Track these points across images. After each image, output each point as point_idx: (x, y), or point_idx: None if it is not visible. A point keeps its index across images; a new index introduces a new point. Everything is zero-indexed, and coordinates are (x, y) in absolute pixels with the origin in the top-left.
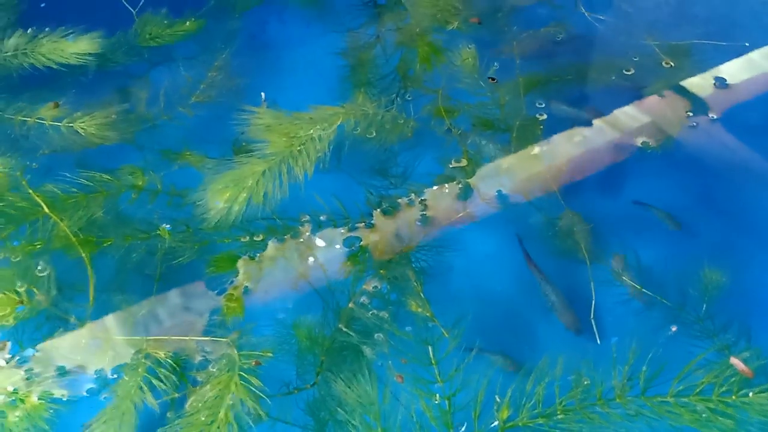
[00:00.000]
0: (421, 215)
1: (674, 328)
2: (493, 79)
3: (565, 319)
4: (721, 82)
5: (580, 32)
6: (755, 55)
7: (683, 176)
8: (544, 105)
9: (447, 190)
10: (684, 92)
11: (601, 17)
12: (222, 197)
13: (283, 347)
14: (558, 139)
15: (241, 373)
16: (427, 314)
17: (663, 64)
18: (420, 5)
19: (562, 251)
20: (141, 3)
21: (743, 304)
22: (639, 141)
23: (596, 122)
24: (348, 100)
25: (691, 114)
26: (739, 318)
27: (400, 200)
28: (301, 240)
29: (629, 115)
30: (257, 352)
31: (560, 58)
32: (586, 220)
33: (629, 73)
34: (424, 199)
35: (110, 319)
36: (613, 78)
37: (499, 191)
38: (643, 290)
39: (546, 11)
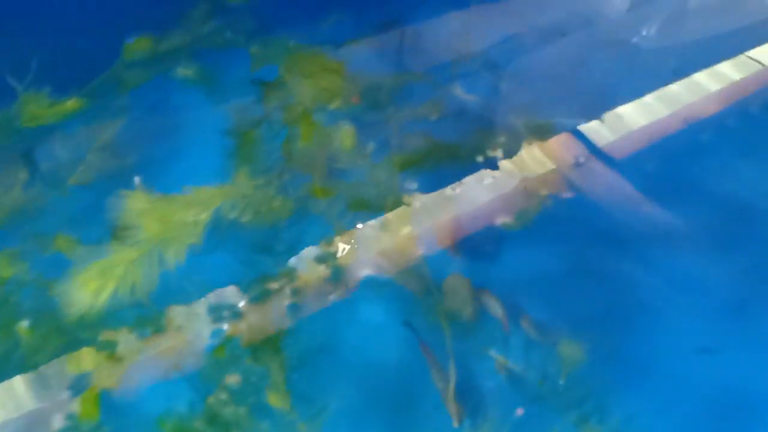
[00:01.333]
0: (291, 299)
1: (520, 411)
2: (365, 157)
3: (449, 408)
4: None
5: (454, 110)
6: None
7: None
8: (416, 185)
9: (319, 272)
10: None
11: (471, 97)
12: (87, 289)
13: None
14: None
15: None
16: (286, 407)
17: (525, 143)
18: (304, 84)
19: (446, 318)
20: (28, 79)
21: (601, 375)
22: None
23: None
24: (230, 179)
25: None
26: (597, 390)
27: (270, 285)
28: (169, 332)
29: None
30: None
31: (434, 137)
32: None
33: (495, 152)
34: (296, 284)
35: None
36: (479, 159)
37: (369, 275)
38: (508, 364)
39: (424, 90)
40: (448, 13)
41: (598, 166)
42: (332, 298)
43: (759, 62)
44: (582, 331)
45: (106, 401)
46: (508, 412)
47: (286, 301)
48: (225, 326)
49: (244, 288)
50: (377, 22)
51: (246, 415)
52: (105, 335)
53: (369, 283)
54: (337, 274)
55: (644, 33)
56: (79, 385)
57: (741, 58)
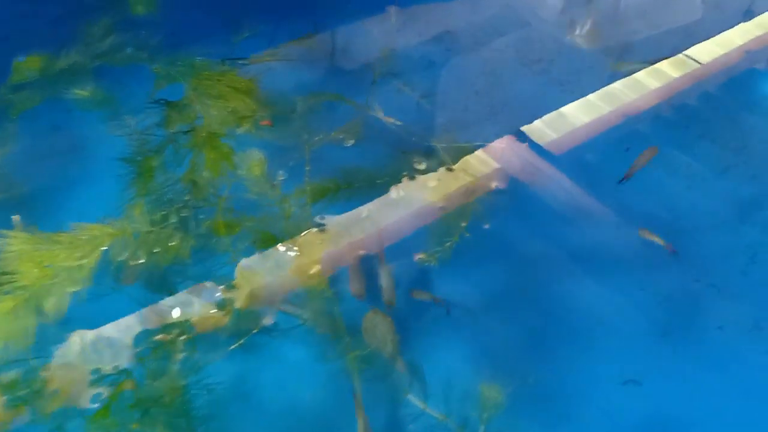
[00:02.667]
0: (188, 351)
1: None
2: (274, 187)
3: None
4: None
5: (372, 134)
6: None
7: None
8: (325, 221)
9: (218, 319)
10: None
11: (390, 119)
12: None
13: None
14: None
15: None
16: None
17: (445, 169)
18: (211, 105)
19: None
20: None
21: (524, 418)
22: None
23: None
24: (124, 214)
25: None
26: None
27: (164, 337)
28: (46, 395)
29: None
30: None
31: (351, 164)
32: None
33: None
34: (192, 334)
35: None
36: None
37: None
38: (428, 409)
39: (342, 113)
40: (377, 14)
41: (539, 164)
42: (234, 346)
43: (696, 61)
44: (503, 367)
45: None
46: None
47: (182, 354)
48: (108, 388)
49: (135, 341)
50: (294, 35)
51: None
52: None
53: (275, 327)
54: (240, 320)
55: (577, 32)
56: None
57: (679, 57)
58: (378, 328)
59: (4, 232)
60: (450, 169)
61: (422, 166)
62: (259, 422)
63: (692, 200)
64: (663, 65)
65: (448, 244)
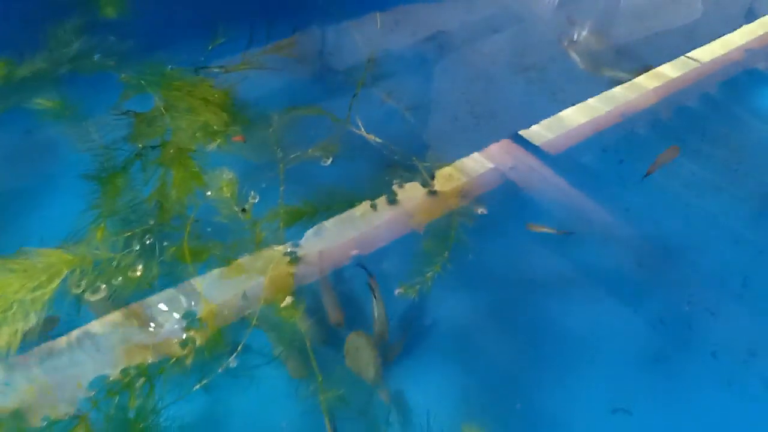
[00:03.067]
0: (147, 395)
1: None
2: (244, 211)
3: None
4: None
5: (351, 152)
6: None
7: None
8: (297, 248)
9: (180, 359)
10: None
11: (370, 136)
12: None
13: None
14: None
15: None
16: None
17: (428, 190)
18: (181, 118)
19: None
20: None
21: None
22: None
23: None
24: (84, 238)
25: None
26: None
27: (123, 379)
28: None
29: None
30: None
31: (328, 184)
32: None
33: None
34: (147, 377)
35: None
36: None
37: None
38: None
39: (322, 126)
40: (362, 17)
41: (534, 165)
42: (196, 387)
43: (696, 60)
44: (489, 397)
45: None
46: None
47: (140, 399)
48: None
49: (90, 385)
50: (273, 39)
51: None
52: None
53: (242, 364)
54: (203, 355)
55: (575, 37)
56: None
57: (681, 59)
58: (360, 352)
59: None
60: (432, 192)
61: (403, 187)
62: None
63: (688, 213)
64: (663, 67)
65: (430, 273)
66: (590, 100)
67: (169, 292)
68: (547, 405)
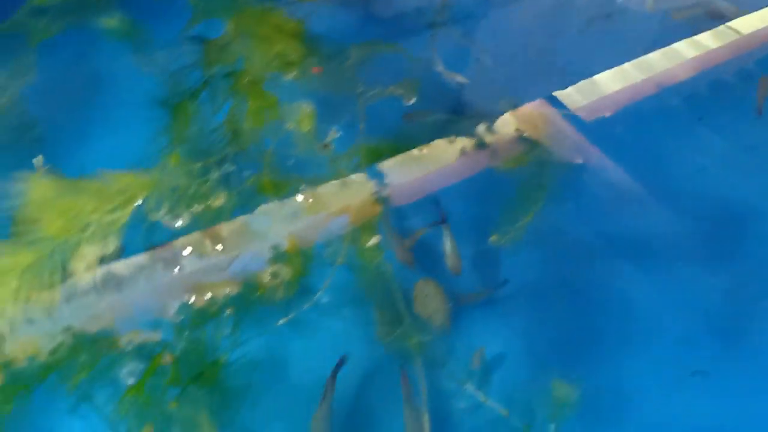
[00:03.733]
0: (231, 325)
1: None
2: (326, 146)
3: None
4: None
5: (433, 92)
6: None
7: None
8: (383, 187)
9: (267, 288)
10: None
11: (458, 77)
12: None
13: None
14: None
15: None
16: None
17: (517, 135)
18: (254, 47)
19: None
20: None
21: (593, 416)
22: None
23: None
24: (158, 162)
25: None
26: None
27: (205, 306)
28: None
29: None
30: None
31: (410, 125)
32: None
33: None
34: (236, 306)
35: None
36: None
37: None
38: (489, 402)
39: (399, 64)
40: None
41: (568, 130)
42: (281, 322)
43: (737, 31)
44: (567, 363)
45: None
46: None
47: (225, 327)
48: (145, 362)
49: (177, 311)
50: None
51: None
52: None
53: (325, 300)
54: (289, 291)
55: None
56: None
57: (720, 28)
58: (430, 299)
59: (25, 175)
60: (522, 137)
61: (491, 129)
62: (302, 404)
63: (727, 183)
64: (703, 36)
65: (521, 222)
66: (628, 66)
67: (251, 224)
68: (624, 367)
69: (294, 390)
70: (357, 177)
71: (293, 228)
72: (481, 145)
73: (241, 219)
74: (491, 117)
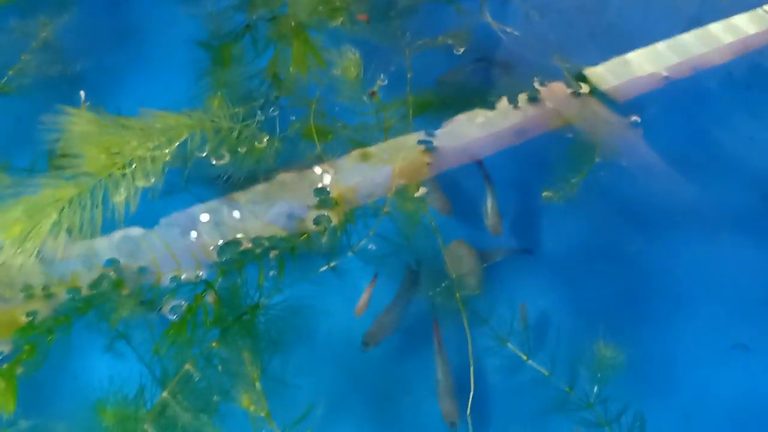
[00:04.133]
0: (271, 267)
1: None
2: (373, 94)
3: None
4: None
5: (483, 45)
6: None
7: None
8: (434, 136)
9: (308, 235)
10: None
11: (508, 29)
12: (9, 233)
13: None
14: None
15: None
16: (262, 413)
17: (573, 92)
18: None
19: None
20: None
21: (636, 382)
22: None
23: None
24: (200, 105)
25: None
26: (635, 403)
27: (246, 247)
28: (114, 297)
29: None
30: None
31: (458, 76)
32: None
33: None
34: (277, 250)
35: None
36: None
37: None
38: (529, 362)
39: (447, 16)
40: None
41: (600, 110)
42: (324, 269)
43: None
44: (613, 326)
45: (26, 384)
46: (525, 422)
47: (265, 269)
48: (184, 300)
49: (220, 251)
50: None
51: (208, 422)
52: (28, 298)
53: (365, 251)
54: (331, 238)
55: None
56: None
57: (758, 11)
58: (463, 260)
59: (68, 109)
60: (577, 93)
61: (546, 85)
62: (337, 353)
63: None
64: (739, 19)
65: (574, 180)
66: (662, 47)
67: (270, 193)
68: (669, 334)
69: (331, 338)
70: (403, 127)
71: (340, 177)
72: (533, 99)
73: (260, 187)
74: (543, 73)
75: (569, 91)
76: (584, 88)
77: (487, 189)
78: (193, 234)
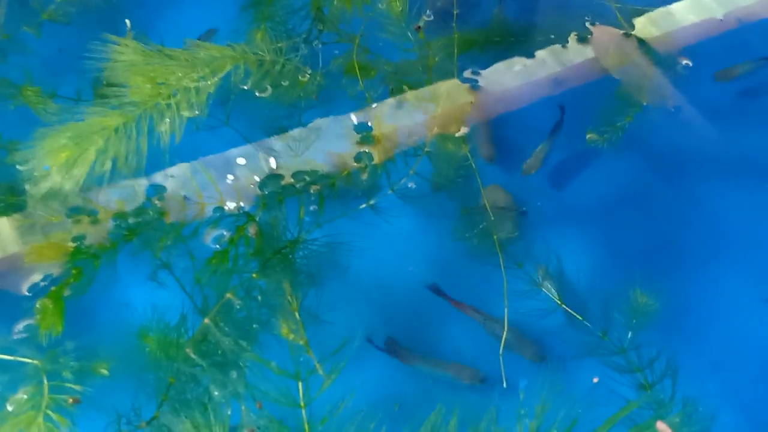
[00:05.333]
0: (312, 202)
1: (596, 380)
2: (419, 29)
3: (526, 352)
4: None
5: None
6: None
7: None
8: (479, 74)
9: (349, 171)
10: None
11: None
12: (55, 160)
13: (124, 362)
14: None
15: (48, 412)
16: (300, 342)
17: (624, 33)
18: None
19: (479, 245)
20: None
21: (674, 333)
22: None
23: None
24: (243, 38)
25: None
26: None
27: (287, 181)
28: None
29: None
30: (74, 386)
31: (505, 13)
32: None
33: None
34: (318, 185)
35: None
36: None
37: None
38: (563, 306)
39: None
40: None
41: (642, 62)
42: (363, 206)
43: None
44: (649, 273)
45: (73, 307)
46: (559, 361)
47: (306, 204)
48: (226, 231)
49: (261, 185)
50: None
51: (247, 348)
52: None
53: (404, 190)
54: (371, 176)
55: None
56: (37, 287)
57: None
58: (499, 204)
59: (114, 38)
60: (628, 35)
61: (597, 26)
62: (371, 290)
63: None
64: None
65: (620, 123)
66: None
67: (329, 124)
68: (707, 283)
69: (367, 275)
70: (448, 66)
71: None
72: (583, 39)
73: (295, 132)
74: (592, 12)
75: (620, 32)
76: (635, 30)
77: (552, 134)
78: (230, 177)
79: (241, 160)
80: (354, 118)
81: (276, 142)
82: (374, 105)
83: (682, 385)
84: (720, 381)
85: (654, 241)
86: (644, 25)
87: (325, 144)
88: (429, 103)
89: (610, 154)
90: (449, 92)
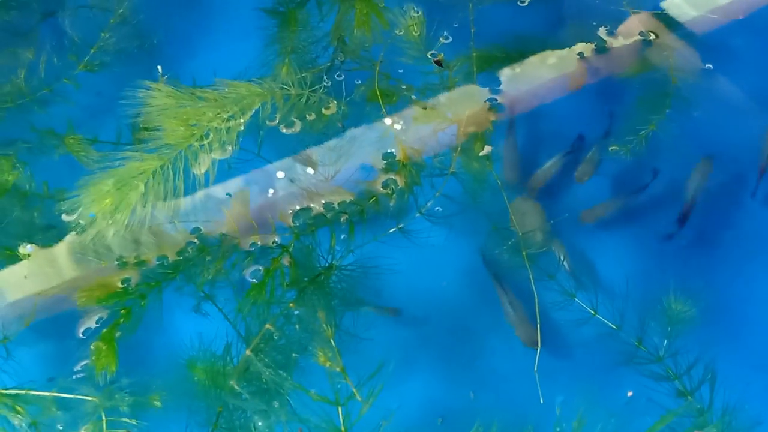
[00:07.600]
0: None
1: (630, 394)
2: (439, 62)
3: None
4: None
5: None
6: None
7: None
8: (500, 91)
9: (377, 197)
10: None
11: None
12: (100, 206)
13: (175, 393)
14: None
15: None
16: (337, 368)
17: (642, 39)
18: None
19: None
20: None
21: (711, 339)
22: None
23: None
24: (270, 72)
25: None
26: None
27: (319, 210)
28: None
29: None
30: (129, 420)
31: (523, 29)
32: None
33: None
34: (348, 212)
35: None
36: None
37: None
38: (597, 316)
39: None
40: None
41: (675, 44)
42: (393, 230)
43: None
44: (684, 279)
45: (125, 342)
46: (594, 373)
47: (336, 232)
48: (261, 266)
49: (294, 217)
50: None
51: (288, 377)
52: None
53: (432, 212)
54: (398, 200)
55: None
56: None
57: None
58: (527, 216)
59: (147, 83)
60: (647, 41)
61: (614, 34)
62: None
63: None
64: None
65: (643, 132)
66: None
67: (363, 132)
68: (744, 287)
69: (402, 297)
70: (469, 85)
71: (405, 138)
72: (601, 49)
73: (331, 143)
74: (611, 20)
75: (639, 38)
76: (659, 29)
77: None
78: (271, 191)
79: (280, 174)
80: (388, 120)
81: (314, 153)
82: (391, 121)
83: (721, 391)
84: (762, 386)
85: (692, 244)
86: (679, 6)
87: (360, 152)
88: (452, 122)
89: (642, 157)
90: (468, 108)
